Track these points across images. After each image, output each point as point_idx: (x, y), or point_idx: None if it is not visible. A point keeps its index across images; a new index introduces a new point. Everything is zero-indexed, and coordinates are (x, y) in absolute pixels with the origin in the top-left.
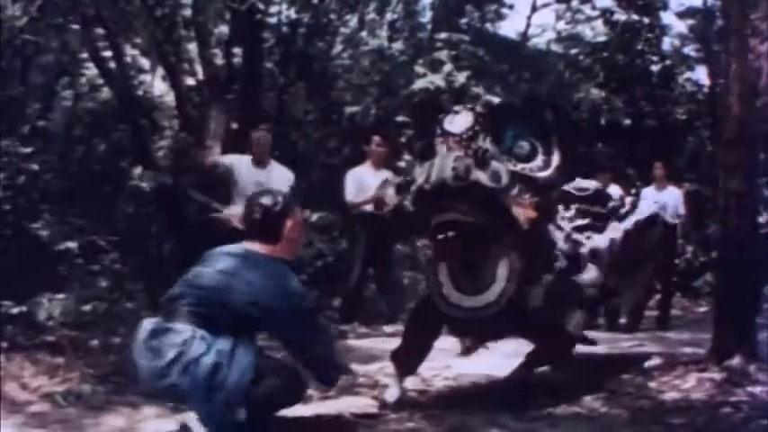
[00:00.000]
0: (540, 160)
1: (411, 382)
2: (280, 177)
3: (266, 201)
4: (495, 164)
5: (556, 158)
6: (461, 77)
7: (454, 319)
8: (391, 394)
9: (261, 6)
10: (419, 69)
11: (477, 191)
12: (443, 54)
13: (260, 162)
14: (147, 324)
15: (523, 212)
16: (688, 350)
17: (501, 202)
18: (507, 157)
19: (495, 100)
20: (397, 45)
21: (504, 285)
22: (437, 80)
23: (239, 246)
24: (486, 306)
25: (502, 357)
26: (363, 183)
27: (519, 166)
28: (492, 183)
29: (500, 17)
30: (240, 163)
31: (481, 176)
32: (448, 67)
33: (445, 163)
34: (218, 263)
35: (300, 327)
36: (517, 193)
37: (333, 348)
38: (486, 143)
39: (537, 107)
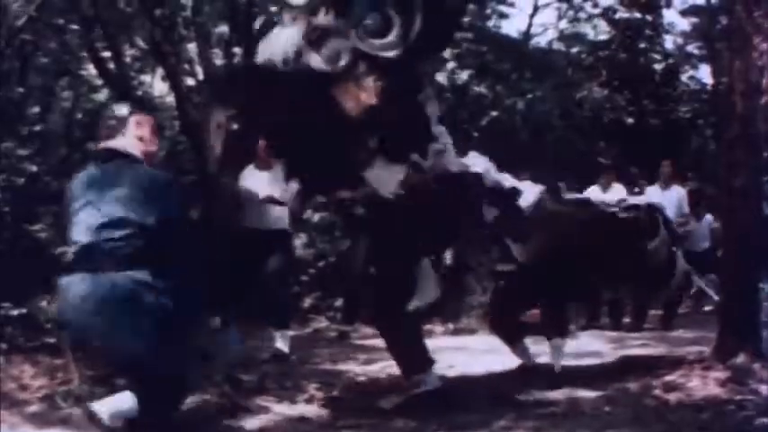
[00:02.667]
0: (394, 35)
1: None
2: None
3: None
4: (334, 42)
5: (414, 32)
6: (464, 75)
7: None
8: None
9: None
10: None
11: (306, 75)
12: (446, 52)
13: (264, 166)
14: None
15: (361, 98)
16: (692, 349)
17: (329, 87)
18: (356, 31)
19: None
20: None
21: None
22: (439, 78)
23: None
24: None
25: (506, 356)
26: None
27: (368, 43)
28: (326, 65)
29: (502, 16)
30: (245, 174)
31: (313, 58)
32: (450, 65)
33: (276, 43)
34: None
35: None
36: (360, 74)
37: None
38: (327, 17)
39: None
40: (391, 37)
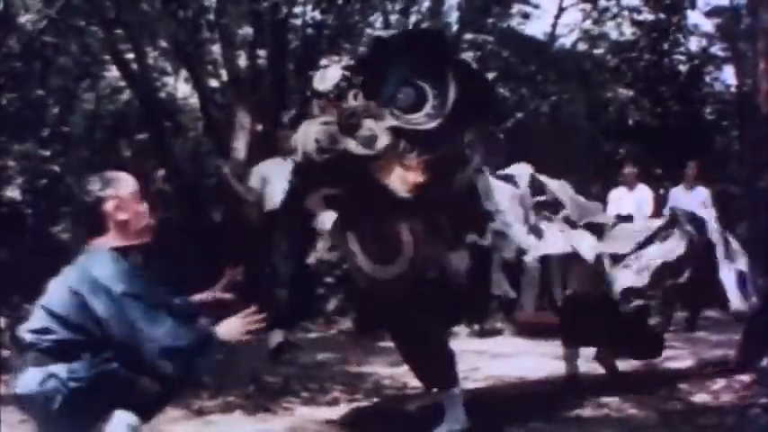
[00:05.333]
0: (430, 106)
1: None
2: None
3: (87, 187)
4: (369, 123)
5: (451, 99)
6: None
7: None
8: None
9: (284, 9)
10: None
11: (346, 162)
12: (469, 55)
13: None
14: None
15: (407, 177)
16: (717, 352)
17: (372, 171)
18: (390, 109)
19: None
20: None
21: (412, 257)
22: None
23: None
24: (397, 278)
25: (534, 358)
26: None
27: (404, 119)
28: (364, 149)
29: (525, 16)
30: (270, 171)
31: (349, 144)
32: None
33: (308, 133)
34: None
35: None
36: (401, 152)
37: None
38: (357, 100)
39: (423, 41)
40: (427, 109)
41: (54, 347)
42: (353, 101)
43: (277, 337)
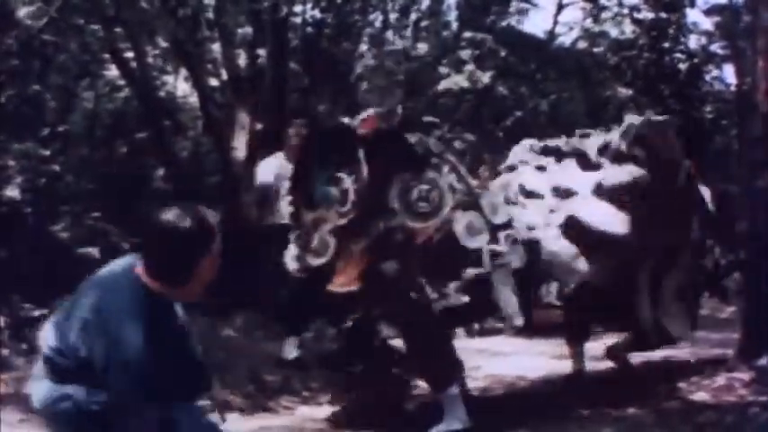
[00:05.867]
0: (352, 194)
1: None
2: None
3: (175, 231)
4: (318, 233)
5: (364, 182)
6: (485, 78)
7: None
8: None
9: (284, 8)
10: (443, 70)
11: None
12: (466, 54)
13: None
14: None
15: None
16: (717, 351)
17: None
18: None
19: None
20: (422, 45)
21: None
22: (461, 81)
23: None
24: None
25: (533, 357)
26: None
27: (338, 216)
28: (317, 259)
29: (523, 13)
30: (275, 163)
31: (309, 258)
32: (470, 67)
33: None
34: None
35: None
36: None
37: None
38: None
39: (334, 136)
40: (351, 197)
41: (69, 370)
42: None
43: (291, 350)
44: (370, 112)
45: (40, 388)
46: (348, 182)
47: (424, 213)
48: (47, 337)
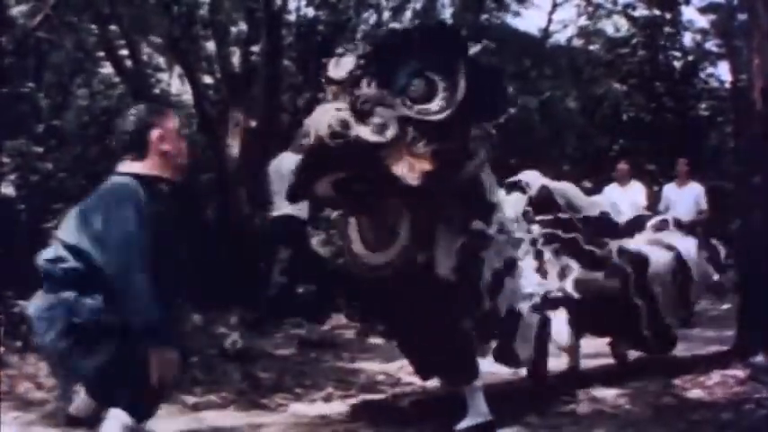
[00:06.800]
0: (440, 98)
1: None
2: None
3: (130, 112)
4: (381, 111)
5: (460, 93)
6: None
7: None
8: None
9: (278, 2)
10: None
11: (358, 147)
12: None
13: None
14: None
15: (415, 166)
16: (712, 347)
17: (382, 158)
18: (401, 98)
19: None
20: None
21: (406, 245)
22: None
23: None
24: (386, 264)
25: None
26: None
27: (414, 109)
28: (375, 136)
29: (519, 14)
30: (281, 162)
31: (362, 131)
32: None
33: (322, 118)
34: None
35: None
36: (410, 141)
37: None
38: (370, 88)
39: (434, 34)
40: (437, 101)
41: (64, 276)
42: (366, 89)
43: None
44: None
45: (35, 301)
46: (440, 86)
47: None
48: (42, 256)
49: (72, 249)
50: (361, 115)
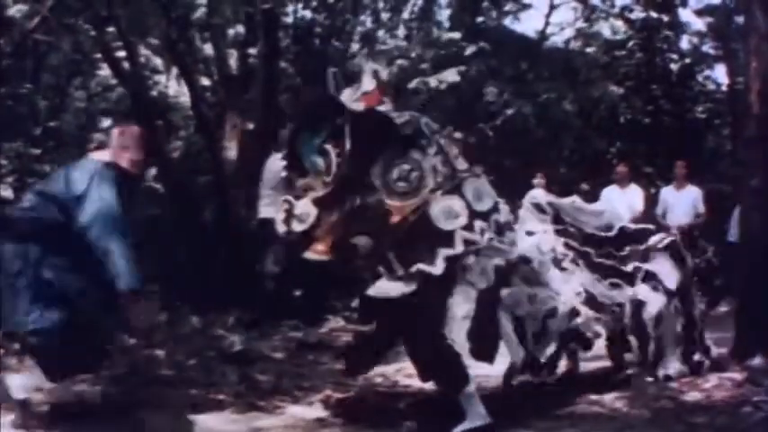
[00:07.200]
0: (334, 166)
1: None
2: None
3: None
4: (301, 203)
5: (347, 151)
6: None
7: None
8: None
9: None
10: (434, 69)
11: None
12: (458, 53)
13: None
14: None
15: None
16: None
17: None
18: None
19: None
20: (413, 44)
21: None
22: (451, 78)
23: None
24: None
25: None
26: None
27: (320, 187)
28: (299, 225)
29: (517, 17)
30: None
31: (293, 225)
32: (461, 67)
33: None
34: None
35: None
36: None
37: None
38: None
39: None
40: (333, 168)
41: (32, 224)
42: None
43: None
44: (371, 86)
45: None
46: (333, 154)
47: (403, 193)
48: (17, 206)
49: (48, 197)
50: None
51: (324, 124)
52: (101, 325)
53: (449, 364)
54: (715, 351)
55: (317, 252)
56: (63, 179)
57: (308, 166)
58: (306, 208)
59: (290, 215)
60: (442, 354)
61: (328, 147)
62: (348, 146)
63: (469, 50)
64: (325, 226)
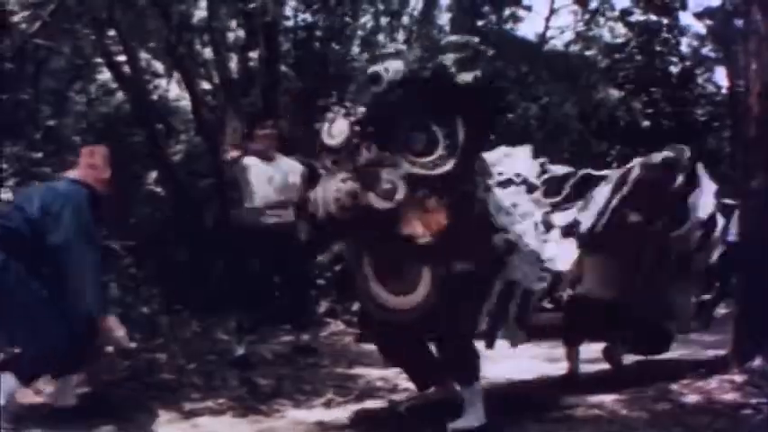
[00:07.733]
0: (441, 148)
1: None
2: (290, 169)
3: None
4: (386, 174)
5: (461, 140)
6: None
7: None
8: None
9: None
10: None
11: (369, 215)
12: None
13: (267, 158)
14: None
15: (430, 222)
16: (709, 352)
17: (394, 221)
18: (403, 155)
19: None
20: (414, 47)
21: (429, 289)
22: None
23: None
24: (408, 310)
25: (525, 361)
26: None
27: (419, 164)
28: (385, 203)
29: (516, 20)
30: (249, 162)
31: (371, 198)
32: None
33: (328, 192)
34: None
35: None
36: (421, 198)
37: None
38: (370, 152)
39: (430, 84)
40: (440, 151)
41: (4, 234)
42: (367, 153)
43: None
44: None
45: None
46: (440, 135)
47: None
48: None
49: (22, 212)
50: (367, 182)
51: (429, 103)
52: (61, 337)
53: (464, 353)
54: (715, 353)
55: (416, 234)
56: (38, 198)
57: (396, 140)
58: (392, 185)
59: (366, 188)
60: (467, 346)
61: (434, 126)
62: (462, 134)
63: (469, 54)
64: (419, 208)
